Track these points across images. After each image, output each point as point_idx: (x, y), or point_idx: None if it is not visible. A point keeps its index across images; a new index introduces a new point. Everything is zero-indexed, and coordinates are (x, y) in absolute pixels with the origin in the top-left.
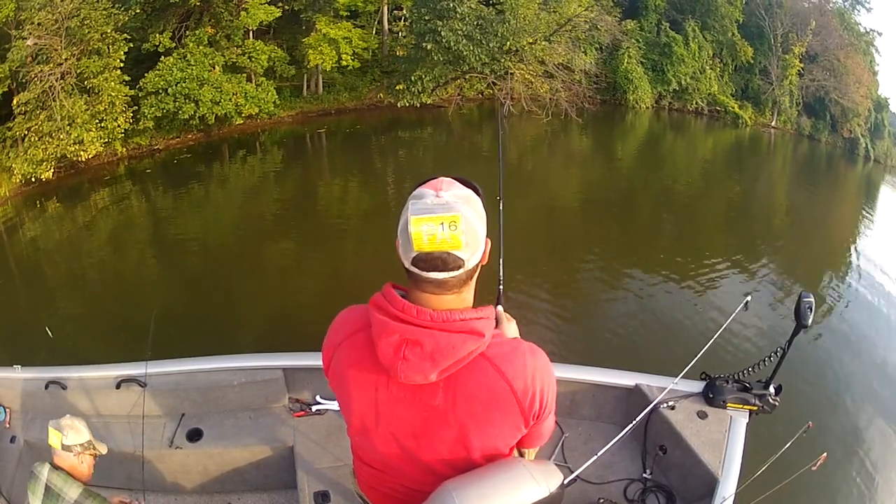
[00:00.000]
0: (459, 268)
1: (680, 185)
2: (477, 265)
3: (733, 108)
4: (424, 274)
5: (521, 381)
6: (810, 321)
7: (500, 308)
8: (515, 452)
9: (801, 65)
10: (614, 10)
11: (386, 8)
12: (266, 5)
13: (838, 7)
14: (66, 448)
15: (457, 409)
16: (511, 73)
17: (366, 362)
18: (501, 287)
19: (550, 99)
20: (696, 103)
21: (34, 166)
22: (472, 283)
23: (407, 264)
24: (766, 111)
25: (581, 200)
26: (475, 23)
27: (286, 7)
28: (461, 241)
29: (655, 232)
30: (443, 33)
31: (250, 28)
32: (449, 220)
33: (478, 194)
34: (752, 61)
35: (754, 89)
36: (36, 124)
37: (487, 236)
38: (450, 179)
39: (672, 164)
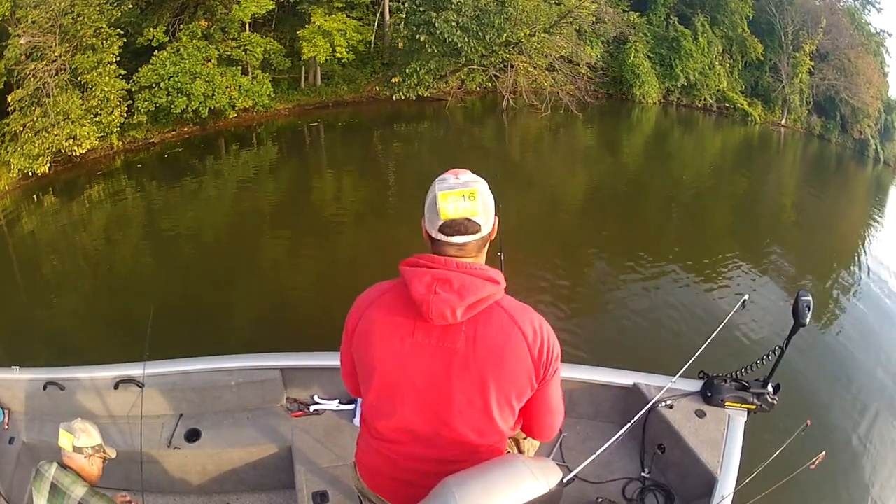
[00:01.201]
0: (477, 232)
1: (687, 184)
2: (489, 234)
3: (742, 105)
4: (449, 238)
5: (530, 329)
6: (808, 320)
7: None
8: (515, 449)
9: (812, 63)
10: (622, 2)
11: None
12: None
13: (849, 6)
14: (77, 450)
15: (476, 351)
16: (512, 66)
17: (395, 314)
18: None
19: (550, 92)
20: (705, 99)
21: (30, 161)
22: (485, 251)
23: (434, 233)
24: (775, 109)
25: (584, 196)
26: (472, 14)
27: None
28: (478, 210)
29: (658, 230)
30: (437, 25)
31: (247, 21)
32: (469, 193)
33: None
34: (762, 58)
35: (764, 87)
36: (31, 120)
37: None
38: (461, 169)
39: (679, 161)
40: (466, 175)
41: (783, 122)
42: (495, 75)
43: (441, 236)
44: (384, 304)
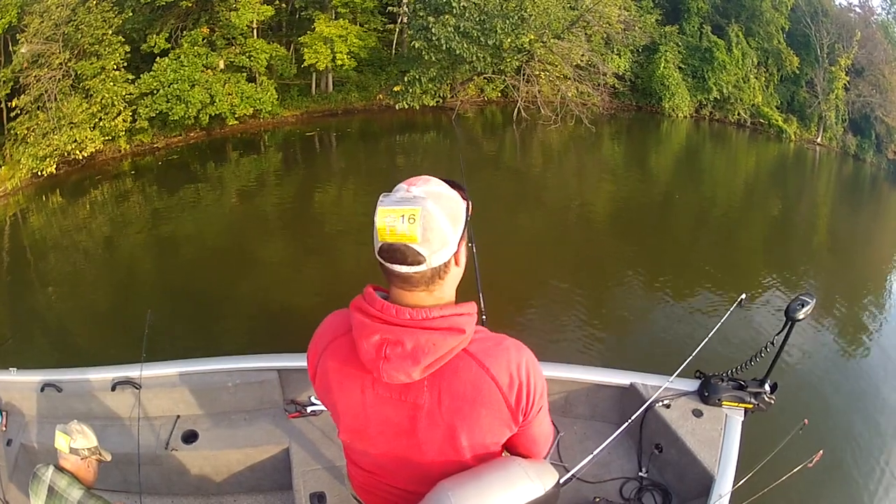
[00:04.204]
0: (420, 263)
1: (719, 203)
2: (446, 265)
3: (777, 121)
4: (389, 266)
5: (505, 376)
6: (801, 316)
7: None
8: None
9: (847, 78)
10: (654, 11)
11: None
12: (259, 4)
13: (882, 19)
14: (73, 451)
15: (442, 407)
16: (526, 75)
17: (350, 365)
18: (485, 317)
19: (562, 104)
20: (739, 114)
21: (37, 162)
22: (445, 282)
23: (376, 254)
24: (811, 126)
25: (604, 212)
26: (476, 18)
27: (284, 6)
28: (417, 235)
29: (685, 250)
30: (434, 30)
31: (244, 28)
32: (409, 213)
33: (464, 197)
34: (797, 72)
35: (800, 102)
36: (35, 124)
37: (470, 243)
38: (430, 177)
39: (711, 179)
40: (423, 187)
41: (818, 140)
42: (513, 84)
43: (381, 261)
44: (338, 352)
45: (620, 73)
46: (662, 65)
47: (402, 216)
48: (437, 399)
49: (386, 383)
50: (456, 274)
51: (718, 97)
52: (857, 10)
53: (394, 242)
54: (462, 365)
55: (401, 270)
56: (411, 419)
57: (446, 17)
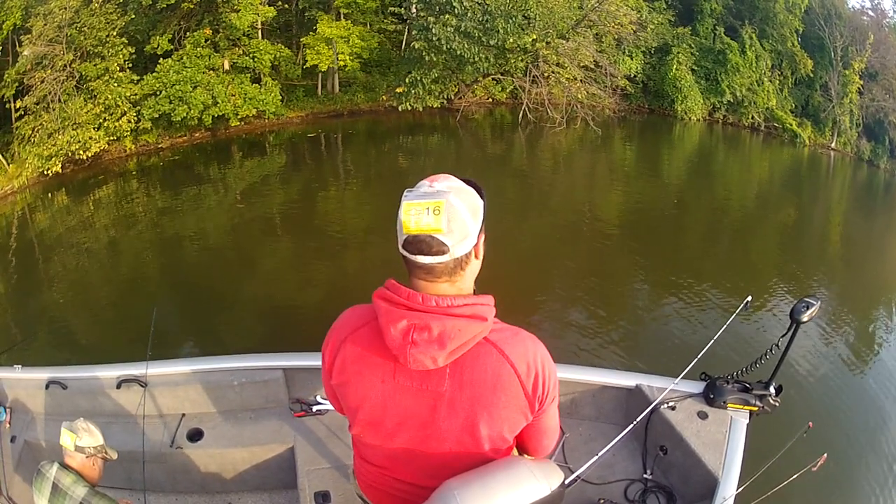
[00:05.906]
0: (444, 253)
1: (730, 208)
2: (467, 255)
3: (792, 125)
4: (412, 258)
5: (524, 364)
6: (805, 318)
7: None
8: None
9: (861, 82)
10: (667, 11)
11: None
12: (261, 5)
13: (895, 23)
14: (78, 449)
15: (463, 393)
16: (533, 76)
17: (372, 355)
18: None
19: (569, 104)
20: (753, 118)
21: (43, 161)
22: (466, 273)
23: (399, 248)
24: (825, 131)
25: (615, 214)
26: (480, 18)
27: (288, 6)
28: (442, 226)
29: (695, 256)
30: (434, 30)
31: (257, 28)
32: (433, 205)
33: (480, 195)
34: (811, 75)
35: (814, 106)
36: (40, 124)
37: (484, 232)
38: (449, 175)
39: (723, 184)
40: (445, 182)
41: (833, 145)
42: (521, 86)
43: (405, 253)
44: (360, 341)
45: (632, 75)
46: (675, 66)
47: (427, 208)
48: (458, 386)
49: (407, 373)
50: (475, 266)
51: (732, 100)
52: (870, 12)
53: (418, 234)
54: (483, 352)
55: (424, 261)
56: (431, 409)
57: (447, 17)
